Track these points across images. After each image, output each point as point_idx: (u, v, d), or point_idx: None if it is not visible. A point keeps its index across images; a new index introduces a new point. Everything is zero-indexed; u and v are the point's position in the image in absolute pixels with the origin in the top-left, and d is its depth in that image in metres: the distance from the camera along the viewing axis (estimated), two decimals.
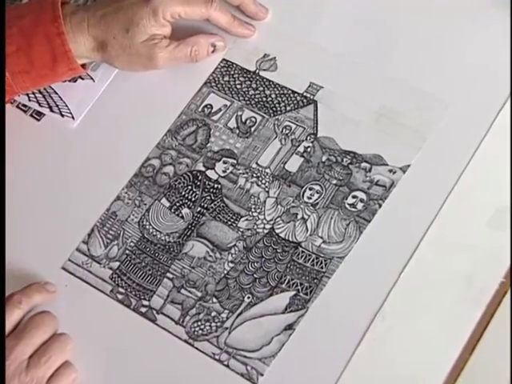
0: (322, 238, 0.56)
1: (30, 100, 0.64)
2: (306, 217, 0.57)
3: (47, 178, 0.62)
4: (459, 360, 0.50)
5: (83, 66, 0.62)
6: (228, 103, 0.62)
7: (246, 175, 0.59)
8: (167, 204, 0.59)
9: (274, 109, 0.60)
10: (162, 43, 0.60)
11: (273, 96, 0.61)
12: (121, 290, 0.57)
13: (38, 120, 0.64)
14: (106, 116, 0.63)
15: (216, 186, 0.59)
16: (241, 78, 0.62)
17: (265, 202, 0.57)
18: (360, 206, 0.56)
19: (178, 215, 0.58)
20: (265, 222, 0.57)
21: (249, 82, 0.62)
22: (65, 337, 0.54)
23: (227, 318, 0.54)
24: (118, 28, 0.59)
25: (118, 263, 0.58)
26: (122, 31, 0.59)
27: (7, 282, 0.56)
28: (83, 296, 0.57)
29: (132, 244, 0.58)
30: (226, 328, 0.54)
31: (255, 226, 0.57)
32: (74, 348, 0.54)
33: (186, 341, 0.54)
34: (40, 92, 0.64)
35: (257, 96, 0.61)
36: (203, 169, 0.60)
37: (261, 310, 0.54)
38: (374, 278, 0.53)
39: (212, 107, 0.62)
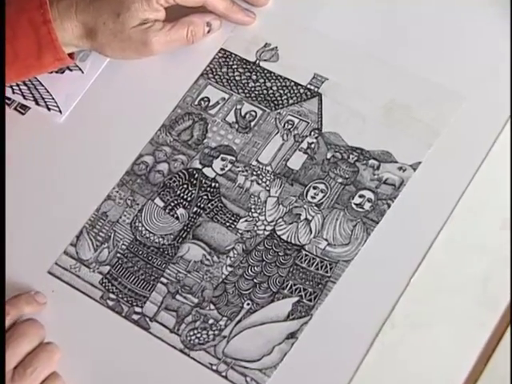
0: (326, 240, 0.55)
1: (13, 92, 0.64)
2: (309, 218, 0.56)
3: (32, 176, 0.61)
4: (473, 371, 0.50)
5: (71, 55, 0.61)
6: (226, 96, 0.61)
7: (245, 173, 0.58)
8: (161, 204, 0.59)
9: (276, 102, 0.60)
10: (156, 26, 0.60)
11: (274, 88, 0.60)
12: (111, 295, 0.56)
13: (23, 114, 0.64)
14: (95, 110, 0.63)
15: (213, 184, 0.58)
16: (240, 69, 0.62)
17: (265, 201, 0.57)
18: (367, 206, 0.55)
19: (172, 216, 0.58)
20: (265, 223, 0.56)
21: (248, 74, 0.61)
22: (52, 346, 0.54)
23: (225, 326, 0.54)
24: (109, 13, 0.59)
25: (108, 267, 0.57)
26: (113, 16, 0.59)
27: None
28: (71, 302, 0.57)
29: (123, 247, 0.58)
30: (224, 336, 0.54)
31: (255, 228, 0.56)
32: (62, 358, 0.54)
33: (181, 350, 0.54)
34: (25, 84, 0.64)
35: (257, 88, 0.61)
36: (200, 166, 0.59)
37: (261, 318, 0.54)
38: (383, 282, 0.53)
39: (209, 100, 0.61)
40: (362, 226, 0.55)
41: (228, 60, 0.62)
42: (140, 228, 0.58)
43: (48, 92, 0.63)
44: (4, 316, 0.53)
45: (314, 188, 0.57)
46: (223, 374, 0.52)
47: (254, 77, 0.61)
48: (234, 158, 0.59)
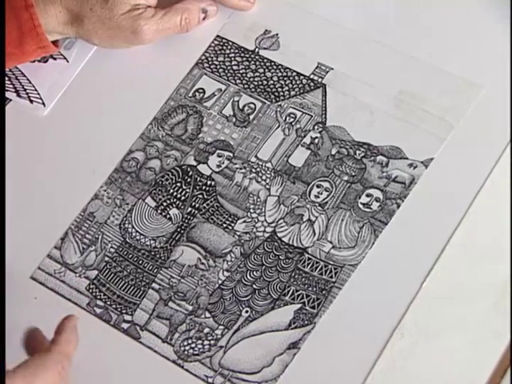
0: (331, 242, 0.55)
1: None
2: (312, 218, 0.56)
3: (13, 173, 0.61)
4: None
5: (55, 43, 0.62)
6: (223, 87, 0.61)
7: (243, 170, 0.58)
8: (153, 204, 0.59)
9: (276, 94, 0.60)
10: (147, 13, 0.60)
11: (275, 79, 0.61)
12: (99, 302, 0.57)
13: None
14: (81, 102, 0.63)
15: (209, 182, 0.59)
16: (238, 58, 0.62)
17: (265, 201, 0.57)
18: (375, 205, 0.56)
19: (165, 216, 0.58)
20: (265, 224, 0.57)
21: (247, 63, 0.62)
22: None
23: (222, 336, 0.54)
24: None
25: (95, 272, 0.58)
26: (100, 1, 0.59)
27: None
28: (55, 310, 0.56)
29: (112, 250, 0.58)
30: (221, 347, 0.54)
31: (254, 229, 0.57)
32: None
33: (174, 361, 0.54)
34: (5, 74, 0.64)
35: (256, 79, 0.61)
36: (194, 163, 0.59)
37: (261, 326, 0.54)
38: (392, 288, 0.53)
39: (204, 92, 0.62)
40: (369, 228, 0.55)
41: (225, 48, 0.62)
42: (130, 230, 0.58)
43: (30, 83, 0.64)
44: (4, 314, 0.51)
45: (318, 186, 0.57)
46: None
47: (252, 66, 0.61)
48: (231, 154, 0.59)
